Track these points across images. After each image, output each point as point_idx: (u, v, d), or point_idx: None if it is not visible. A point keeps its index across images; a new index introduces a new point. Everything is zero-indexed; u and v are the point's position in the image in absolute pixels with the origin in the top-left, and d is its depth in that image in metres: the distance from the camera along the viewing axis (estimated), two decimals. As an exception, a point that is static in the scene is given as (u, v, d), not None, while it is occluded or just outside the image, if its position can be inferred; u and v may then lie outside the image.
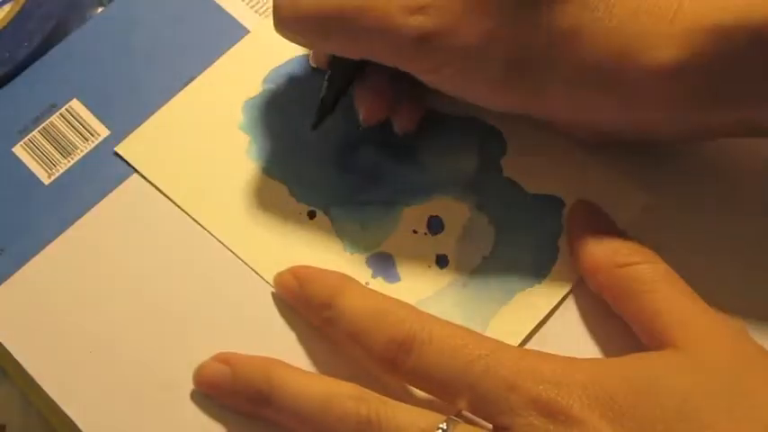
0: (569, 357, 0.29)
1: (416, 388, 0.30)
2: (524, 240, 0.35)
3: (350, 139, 0.37)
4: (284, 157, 0.37)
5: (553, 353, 0.30)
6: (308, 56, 0.39)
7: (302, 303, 0.33)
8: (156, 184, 0.36)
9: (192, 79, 0.38)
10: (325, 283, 0.33)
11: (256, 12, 0.40)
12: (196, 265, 0.35)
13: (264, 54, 0.39)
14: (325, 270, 0.33)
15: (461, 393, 0.29)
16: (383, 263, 0.35)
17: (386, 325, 0.30)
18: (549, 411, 0.28)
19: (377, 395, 0.30)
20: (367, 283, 0.34)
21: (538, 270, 0.34)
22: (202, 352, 0.33)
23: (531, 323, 0.34)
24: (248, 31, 0.40)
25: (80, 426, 0.32)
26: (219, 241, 0.35)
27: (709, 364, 0.29)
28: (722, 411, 0.27)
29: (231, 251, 0.35)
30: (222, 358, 0.32)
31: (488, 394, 0.28)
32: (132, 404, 0.32)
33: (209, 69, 0.38)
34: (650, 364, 0.29)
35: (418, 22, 0.30)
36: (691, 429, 0.27)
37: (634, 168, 0.36)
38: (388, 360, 0.30)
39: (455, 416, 0.29)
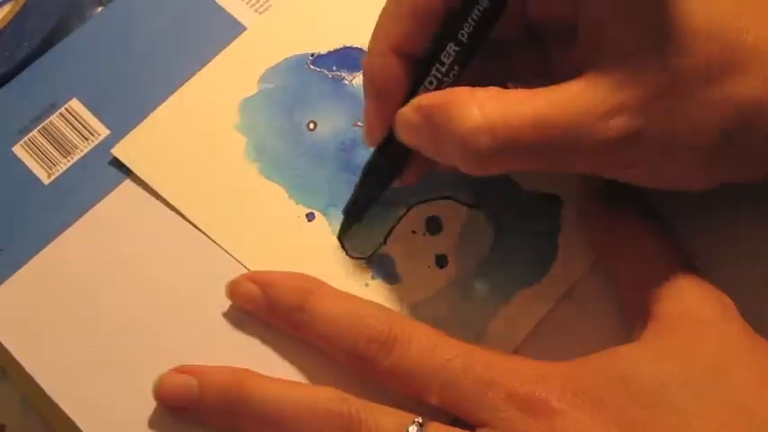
0: (546, 360, 0.30)
1: (391, 387, 0.31)
2: (524, 239, 0.35)
3: (347, 140, 0.37)
4: (282, 158, 0.37)
5: (551, 352, 0.31)
6: (303, 56, 0.39)
7: (266, 309, 0.33)
8: (153, 187, 0.36)
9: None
10: (291, 286, 0.33)
11: (256, 11, 0.40)
12: (196, 266, 0.35)
13: (259, 53, 0.39)
14: (287, 272, 0.33)
15: (438, 391, 0.29)
16: (383, 264, 0.35)
17: (365, 325, 0.31)
18: (528, 405, 0.28)
19: (355, 397, 0.30)
20: (366, 285, 0.34)
21: (537, 269, 0.35)
22: (201, 352, 0.33)
23: (531, 322, 0.34)
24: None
25: (80, 426, 0.32)
26: (218, 244, 0.35)
27: (685, 349, 0.29)
28: (698, 397, 0.28)
29: (230, 254, 0.34)
30: (185, 370, 0.32)
31: (467, 391, 0.29)
32: (132, 404, 0.33)
33: (203, 69, 0.39)
34: (626, 355, 0.30)
35: (618, 123, 0.28)
36: (667, 416, 0.28)
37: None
38: (367, 359, 0.30)
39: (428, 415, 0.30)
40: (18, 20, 0.40)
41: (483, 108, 0.28)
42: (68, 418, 0.32)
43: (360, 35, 0.39)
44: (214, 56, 0.39)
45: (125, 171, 0.37)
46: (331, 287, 0.33)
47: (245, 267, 0.35)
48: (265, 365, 0.33)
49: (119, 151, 0.37)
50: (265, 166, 0.37)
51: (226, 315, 0.34)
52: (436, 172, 0.35)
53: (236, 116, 0.37)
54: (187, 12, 0.40)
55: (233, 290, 0.33)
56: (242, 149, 0.37)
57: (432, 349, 0.30)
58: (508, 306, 0.34)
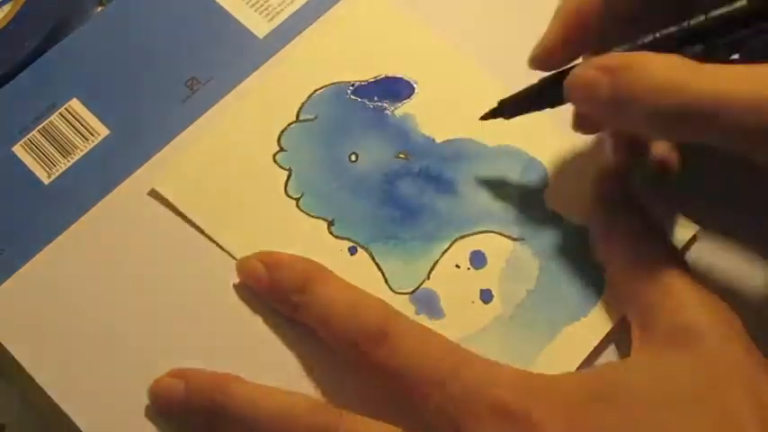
0: (539, 372, 0.31)
1: (380, 383, 0.31)
2: (569, 273, 0.35)
3: (390, 172, 0.37)
4: (323, 191, 0.37)
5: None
6: (343, 85, 0.39)
7: (269, 290, 0.34)
8: (195, 221, 0.36)
9: (191, 78, 0.40)
10: (296, 269, 0.34)
11: (256, 11, 0.41)
12: (196, 266, 0.36)
13: (298, 83, 0.39)
14: (295, 255, 0.34)
15: (424, 392, 0.30)
16: (427, 299, 0.35)
17: (359, 315, 0.31)
18: (510, 416, 0.28)
19: (334, 408, 0.31)
20: None
21: (584, 303, 0.35)
22: (202, 352, 0.34)
23: (579, 358, 0.34)
24: (248, 31, 0.41)
25: (80, 426, 0.33)
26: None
27: (679, 366, 0.29)
28: (688, 423, 0.27)
29: None
30: (176, 373, 0.33)
31: (452, 396, 0.29)
32: (132, 404, 0.33)
33: (242, 101, 0.39)
34: (619, 372, 0.30)
35: None
36: None
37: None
38: (357, 350, 0.31)
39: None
40: (18, 20, 0.41)
41: (670, 70, 0.28)
42: (68, 418, 0.33)
43: (398, 65, 0.39)
44: (213, 56, 0.40)
45: (125, 171, 0.37)
46: (335, 274, 0.34)
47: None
48: (263, 366, 0.33)
49: (160, 186, 0.37)
50: (307, 199, 0.37)
51: (225, 317, 0.35)
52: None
53: (276, 148, 0.38)
54: (187, 12, 0.41)
55: (240, 266, 0.35)
56: (282, 182, 0.37)
57: (423, 347, 0.30)
58: (554, 343, 0.34)
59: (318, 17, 0.41)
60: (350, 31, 0.40)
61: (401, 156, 0.38)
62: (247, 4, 0.41)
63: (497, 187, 0.37)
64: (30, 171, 0.37)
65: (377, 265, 0.35)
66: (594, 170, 0.36)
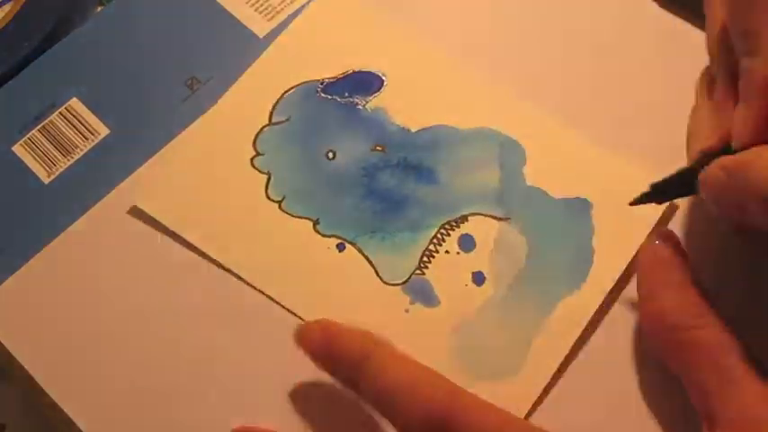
0: None
1: None
2: (557, 247, 0.36)
3: (368, 166, 0.38)
4: (304, 192, 0.37)
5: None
6: (312, 84, 0.39)
7: (324, 360, 0.32)
8: (180, 233, 0.36)
9: (191, 78, 0.40)
10: (355, 343, 0.32)
11: (256, 10, 0.41)
12: (195, 266, 0.36)
13: (267, 86, 0.39)
14: (355, 329, 0.33)
15: None
16: (420, 288, 0.35)
17: (421, 398, 0.30)
18: None
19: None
20: (407, 311, 0.35)
21: (575, 276, 0.35)
22: (202, 352, 0.34)
23: (577, 330, 0.34)
24: (248, 30, 0.41)
25: (80, 426, 0.33)
26: (253, 287, 0.35)
27: None
28: None
29: (266, 295, 0.35)
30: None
31: None
32: (132, 404, 0.33)
33: (213, 108, 0.39)
34: None
35: None
36: None
37: (656, 160, 0.35)
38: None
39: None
40: (18, 19, 0.41)
41: None
42: (68, 418, 0.33)
43: (365, 59, 0.40)
44: (213, 56, 0.40)
45: (125, 170, 0.38)
46: (391, 348, 0.32)
47: (281, 306, 0.35)
48: (258, 364, 0.33)
49: (140, 201, 0.37)
50: (289, 201, 0.37)
51: (228, 313, 0.35)
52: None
53: (252, 152, 0.38)
54: (187, 11, 0.42)
55: (300, 334, 0.33)
56: (263, 186, 0.37)
57: (485, 421, 0.29)
58: (550, 318, 0.34)
59: (318, 16, 0.41)
60: (315, 31, 0.41)
61: (378, 149, 0.38)
62: (247, 3, 0.41)
63: (476, 169, 0.37)
64: (30, 170, 0.38)
65: (367, 259, 0.36)
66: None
